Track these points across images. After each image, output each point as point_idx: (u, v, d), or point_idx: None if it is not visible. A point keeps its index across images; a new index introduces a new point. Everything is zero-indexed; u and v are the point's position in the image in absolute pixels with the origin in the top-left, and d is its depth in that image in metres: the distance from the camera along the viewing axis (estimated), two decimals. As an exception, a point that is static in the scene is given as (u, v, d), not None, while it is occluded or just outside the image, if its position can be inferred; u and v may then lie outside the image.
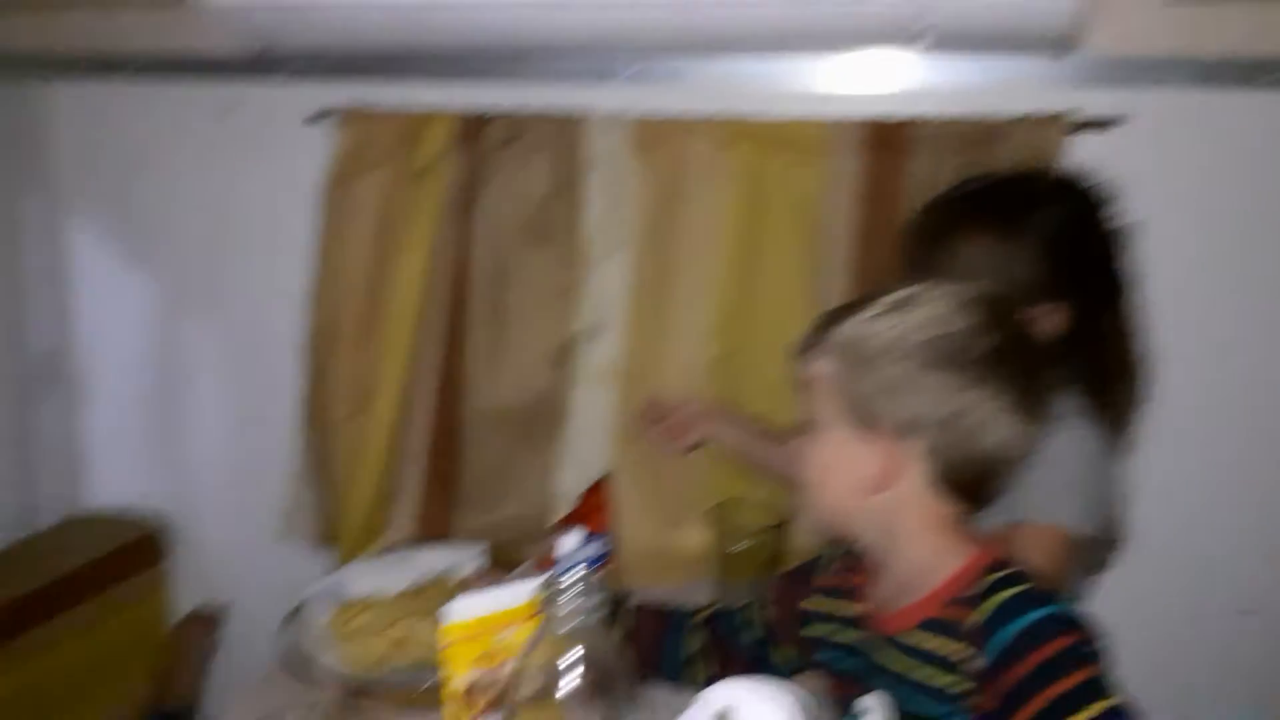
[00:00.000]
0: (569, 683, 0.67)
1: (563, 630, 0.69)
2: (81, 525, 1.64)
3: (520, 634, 0.88)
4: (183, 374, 1.63)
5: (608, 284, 1.39)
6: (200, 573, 1.69)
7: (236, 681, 1.66)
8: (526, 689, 0.72)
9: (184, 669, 1.62)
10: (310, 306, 1.42)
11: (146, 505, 1.67)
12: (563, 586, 0.69)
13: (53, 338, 1.63)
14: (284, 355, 1.47)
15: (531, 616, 0.90)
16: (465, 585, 1.27)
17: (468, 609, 0.89)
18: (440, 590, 1.27)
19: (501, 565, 1.31)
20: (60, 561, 1.51)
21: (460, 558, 1.33)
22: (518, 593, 0.91)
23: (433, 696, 1.05)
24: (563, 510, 1.24)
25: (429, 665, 1.12)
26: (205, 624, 1.67)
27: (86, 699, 1.52)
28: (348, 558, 1.48)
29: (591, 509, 1.05)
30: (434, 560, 1.34)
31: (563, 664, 0.68)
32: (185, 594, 1.69)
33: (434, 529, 1.48)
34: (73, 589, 1.50)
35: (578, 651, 0.68)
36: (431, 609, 1.22)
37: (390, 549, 1.46)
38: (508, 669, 0.88)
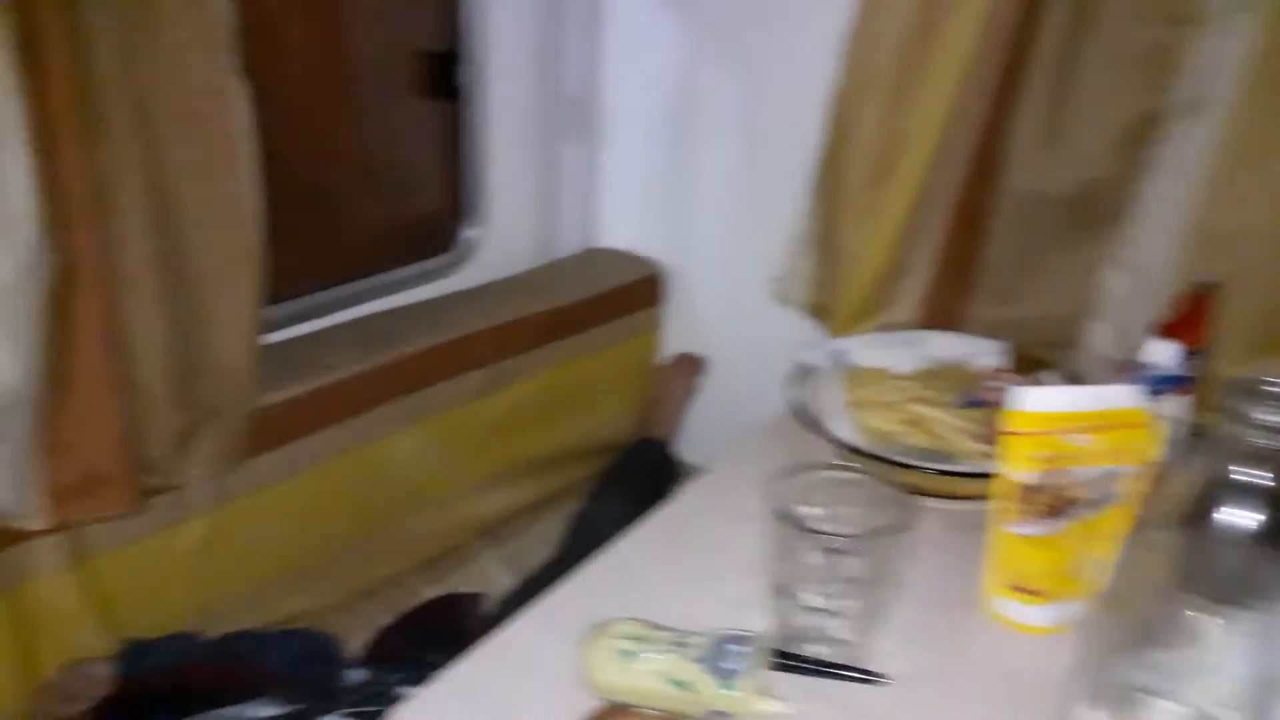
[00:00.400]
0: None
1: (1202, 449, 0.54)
2: (593, 260, 1.75)
3: (1108, 442, 0.75)
4: (700, 125, 1.62)
5: (1221, 48, 1.10)
6: (690, 320, 1.74)
7: (705, 426, 1.74)
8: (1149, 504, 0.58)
9: (665, 407, 1.71)
10: (845, 55, 1.30)
11: (651, 248, 1.73)
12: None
13: (583, 79, 1.68)
14: (805, 114, 1.38)
15: (1123, 426, 0.75)
16: (982, 379, 1.15)
17: (1040, 400, 0.76)
18: (953, 379, 1.16)
19: (1022, 367, 1.16)
20: (573, 290, 1.62)
21: (974, 349, 1.20)
22: (1101, 395, 0.77)
23: (945, 484, 0.97)
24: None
25: (937, 452, 1.04)
26: (689, 368, 1.73)
27: (581, 414, 1.66)
28: (839, 332, 1.42)
29: (1189, 321, 0.85)
30: (944, 347, 1.23)
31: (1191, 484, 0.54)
32: (674, 338, 1.76)
33: (939, 317, 1.36)
34: (581, 315, 1.61)
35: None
36: (942, 397, 1.13)
37: (889, 330, 1.37)
38: (1079, 476, 0.76)
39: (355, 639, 1.28)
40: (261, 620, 1.23)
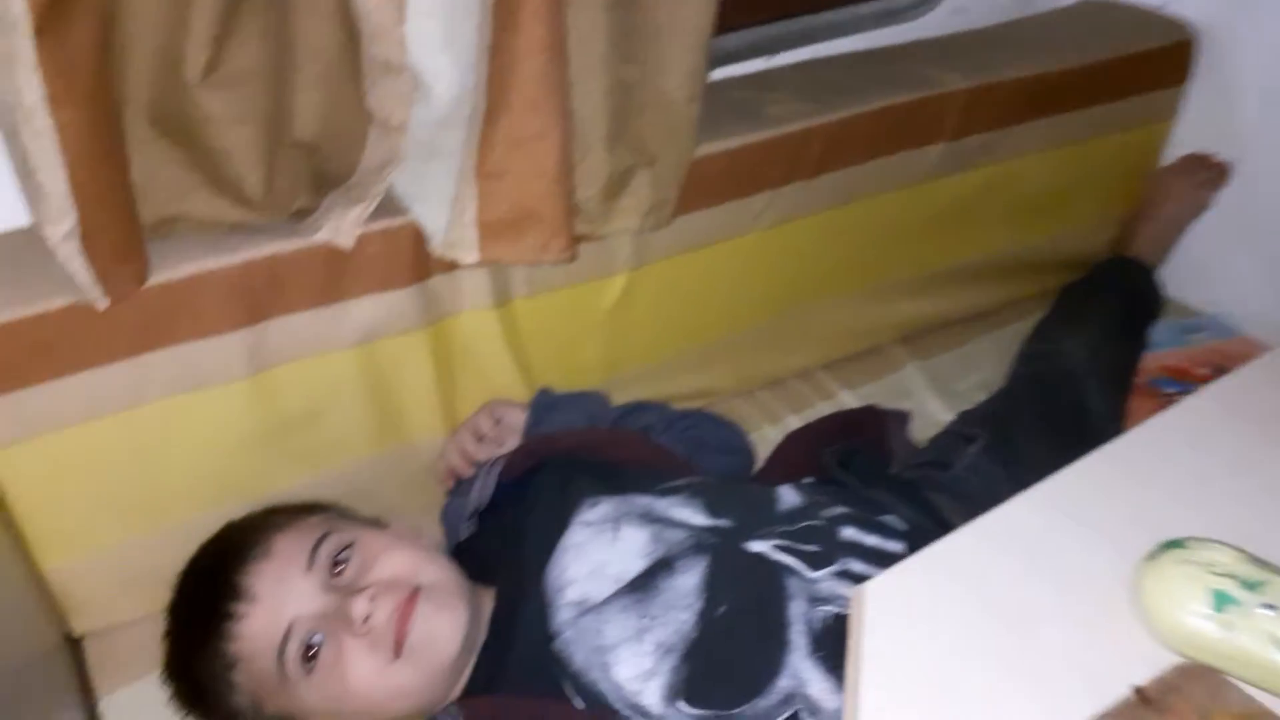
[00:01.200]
0: None
1: None
2: (1097, 15, 1.35)
3: None
4: None
5: None
6: (1221, 111, 1.31)
7: (1208, 257, 1.35)
8: None
9: (1160, 221, 1.34)
10: None
11: (1183, 6, 1.30)
12: None
13: None
14: None
15: None
16: None
17: None
18: None
19: None
20: (1067, 53, 1.25)
21: None
22: None
23: None
24: None
25: None
26: (1203, 176, 1.33)
27: (1050, 215, 1.34)
28: None
29: None
30: None
31: None
32: (1191, 133, 1.35)
33: None
34: (1074, 88, 1.25)
35: None
36: None
37: None
38: None
39: (757, 431, 1.16)
40: (662, 394, 1.12)
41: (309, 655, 0.75)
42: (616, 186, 0.95)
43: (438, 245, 0.89)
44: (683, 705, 0.70)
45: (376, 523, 0.89)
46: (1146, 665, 0.53)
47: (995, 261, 1.33)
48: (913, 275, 1.28)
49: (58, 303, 0.77)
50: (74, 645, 0.94)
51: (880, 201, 1.18)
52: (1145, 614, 0.54)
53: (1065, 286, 1.28)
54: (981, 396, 1.16)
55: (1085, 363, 1.10)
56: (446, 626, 0.78)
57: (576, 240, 0.93)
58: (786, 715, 0.69)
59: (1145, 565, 0.55)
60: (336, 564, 0.79)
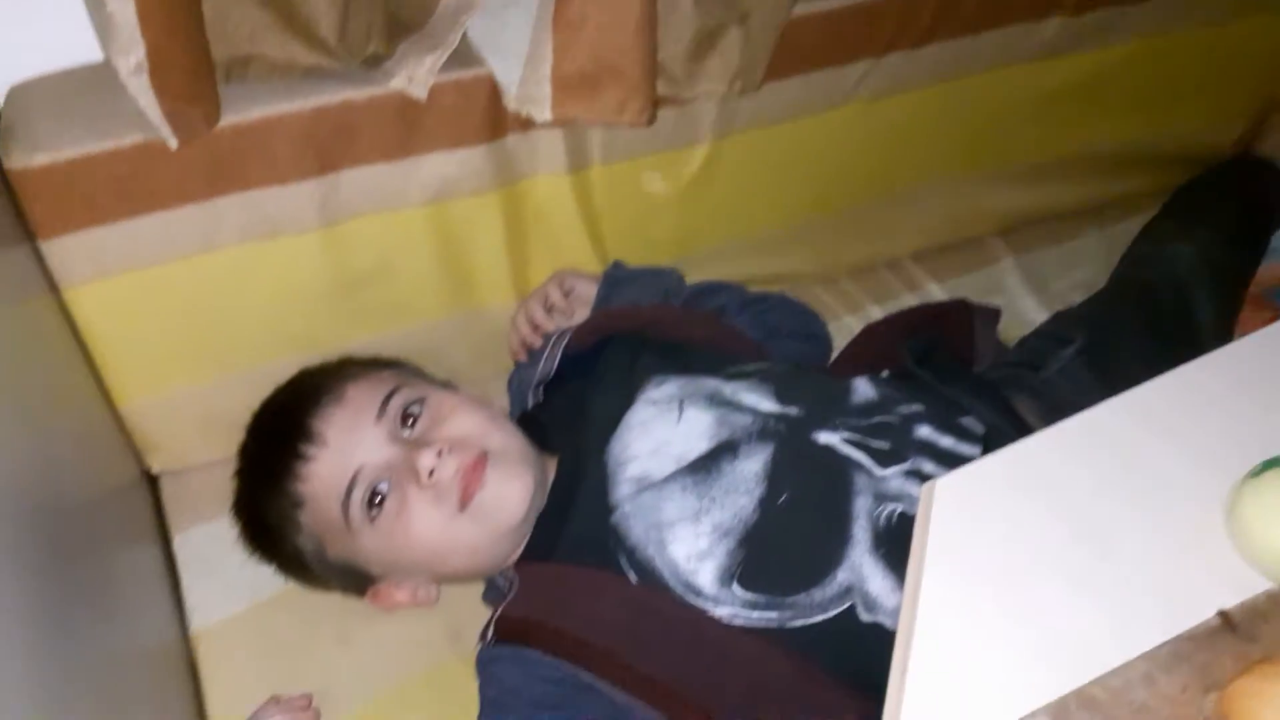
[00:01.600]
0: None
1: None
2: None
3: None
4: None
5: None
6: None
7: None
8: None
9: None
10: None
11: None
12: None
13: None
14: None
15: None
16: None
17: None
18: None
19: None
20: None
21: None
22: None
23: None
24: None
25: None
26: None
27: (1171, 106, 1.23)
28: None
29: None
30: None
31: None
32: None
33: None
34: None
35: None
36: None
37: None
38: None
39: (836, 320, 1.11)
40: (739, 274, 1.08)
41: (374, 502, 0.76)
42: (704, 45, 0.89)
43: (511, 100, 0.85)
44: (737, 588, 0.69)
45: (447, 385, 0.89)
46: (1235, 590, 0.49)
47: (1108, 153, 1.23)
48: (1018, 163, 1.20)
49: (130, 139, 0.76)
50: (151, 483, 0.97)
51: (988, 79, 1.09)
52: (1239, 535, 0.51)
53: (1182, 185, 1.19)
54: (1079, 298, 1.10)
55: (1195, 269, 1.02)
56: (513, 493, 0.78)
57: (657, 103, 0.88)
58: (842, 608, 0.67)
59: (1244, 483, 0.51)
60: (406, 417, 0.80)
